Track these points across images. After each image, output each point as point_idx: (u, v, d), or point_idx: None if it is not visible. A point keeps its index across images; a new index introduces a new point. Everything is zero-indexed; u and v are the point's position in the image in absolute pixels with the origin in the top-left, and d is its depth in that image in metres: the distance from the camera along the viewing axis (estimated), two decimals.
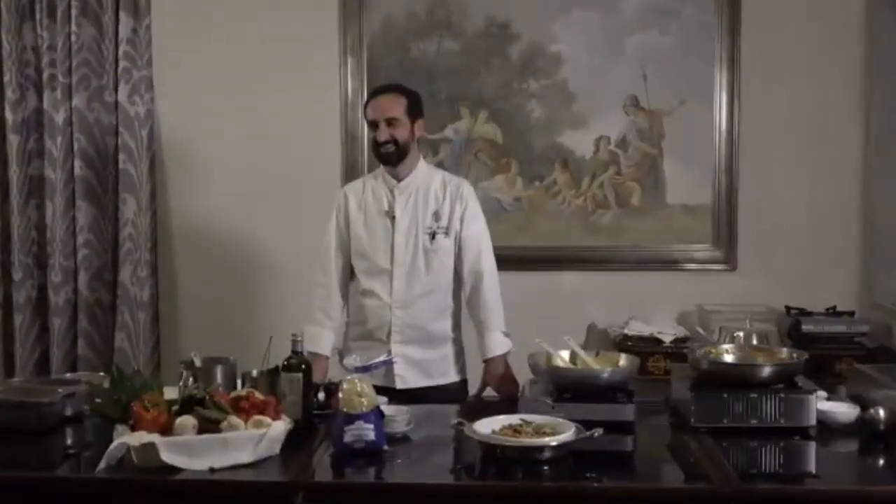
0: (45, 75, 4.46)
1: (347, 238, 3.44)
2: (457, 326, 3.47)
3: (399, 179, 3.40)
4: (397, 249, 3.35)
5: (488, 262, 3.40)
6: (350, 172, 4.46)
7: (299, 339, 2.72)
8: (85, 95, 4.48)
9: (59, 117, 4.45)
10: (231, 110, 4.55)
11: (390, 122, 3.31)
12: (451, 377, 3.44)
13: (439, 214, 3.38)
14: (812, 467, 2.59)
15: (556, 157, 4.52)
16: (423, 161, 3.51)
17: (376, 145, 3.35)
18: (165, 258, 4.64)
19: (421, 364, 3.37)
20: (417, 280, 3.35)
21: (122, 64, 4.46)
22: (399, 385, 3.32)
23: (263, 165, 4.56)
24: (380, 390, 2.73)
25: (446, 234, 3.37)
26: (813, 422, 2.63)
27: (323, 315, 3.44)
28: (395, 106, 3.34)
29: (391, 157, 3.35)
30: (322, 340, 3.40)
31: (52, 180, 4.46)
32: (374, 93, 3.45)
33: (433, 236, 3.37)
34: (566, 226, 4.54)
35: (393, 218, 3.37)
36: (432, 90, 4.44)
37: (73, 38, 4.42)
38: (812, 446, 2.60)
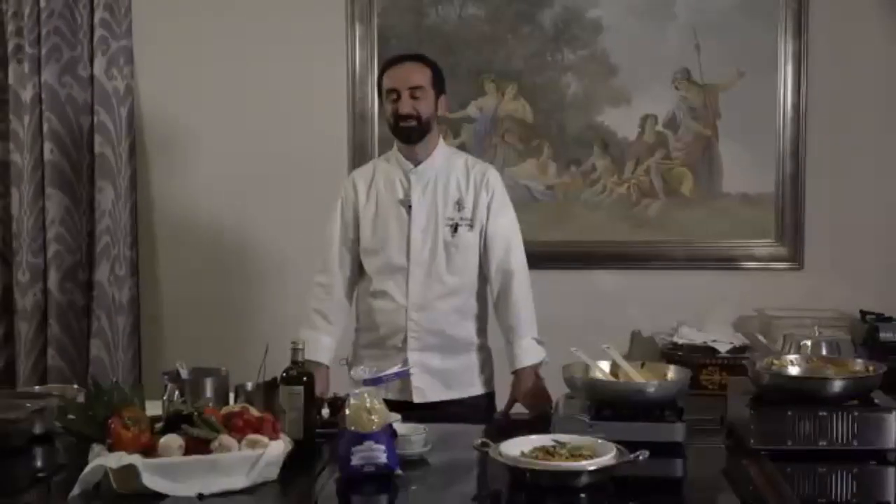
0: (10, 46, 4.48)
1: (355, 232, 3.44)
2: (482, 332, 3.47)
3: (416, 163, 3.39)
4: (414, 244, 3.35)
5: (518, 260, 3.40)
6: (358, 156, 4.48)
7: (300, 347, 2.72)
8: (56, 69, 4.50)
9: (27, 94, 4.47)
10: (222, 86, 4.56)
11: (414, 93, 3.30)
12: (476, 389, 3.44)
13: (462, 204, 3.37)
14: (890, 496, 2.58)
15: (594, 138, 4.52)
16: (444, 142, 3.51)
17: (396, 118, 3.33)
18: (147, 255, 4.66)
19: (441, 374, 3.37)
20: (437, 279, 3.35)
21: (98, 33, 4.49)
22: (416, 398, 3.33)
23: (259, 149, 4.56)
24: (394, 405, 2.74)
25: (470, 226, 3.37)
26: (891, 444, 2.62)
27: (320, 318, 3.44)
28: (421, 75, 3.33)
29: (412, 133, 3.33)
30: (319, 347, 3.38)
31: (19, 166, 4.49)
32: (393, 61, 3.43)
33: (455, 229, 3.36)
34: (606, 218, 4.54)
35: (409, 207, 3.37)
36: (453, 62, 4.43)
37: (42, 2, 4.44)
38: (890, 472, 2.59)
